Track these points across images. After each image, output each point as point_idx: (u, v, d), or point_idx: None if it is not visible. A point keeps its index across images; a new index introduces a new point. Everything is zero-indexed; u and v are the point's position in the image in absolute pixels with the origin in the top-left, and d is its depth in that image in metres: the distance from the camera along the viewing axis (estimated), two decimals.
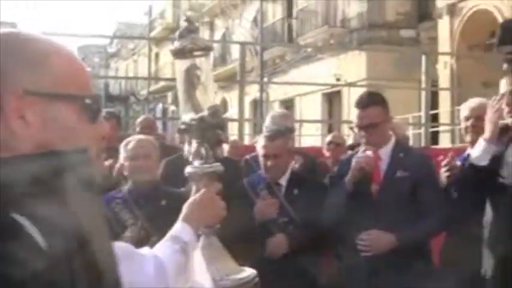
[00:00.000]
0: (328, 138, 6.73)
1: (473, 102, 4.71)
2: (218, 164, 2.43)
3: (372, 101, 4.25)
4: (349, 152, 5.30)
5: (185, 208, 2.31)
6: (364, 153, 4.15)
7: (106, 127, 1.46)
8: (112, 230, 3.88)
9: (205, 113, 2.38)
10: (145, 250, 2.15)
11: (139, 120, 6.68)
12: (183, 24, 2.49)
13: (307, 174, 4.94)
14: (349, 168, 4.18)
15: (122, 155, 4.19)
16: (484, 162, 3.84)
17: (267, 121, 5.76)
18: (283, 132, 4.93)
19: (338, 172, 4.46)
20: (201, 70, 2.42)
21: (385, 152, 4.18)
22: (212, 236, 2.40)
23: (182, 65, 2.43)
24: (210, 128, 2.38)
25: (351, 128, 4.37)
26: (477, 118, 4.47)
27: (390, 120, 4.35)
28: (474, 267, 3.94)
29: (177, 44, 2.43)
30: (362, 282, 4.01)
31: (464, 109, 4.69)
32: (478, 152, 3.88)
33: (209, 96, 2.45)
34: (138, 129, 6.36)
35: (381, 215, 3.98)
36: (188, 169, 2.43)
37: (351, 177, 4.07)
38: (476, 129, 4.42)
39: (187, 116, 2.42)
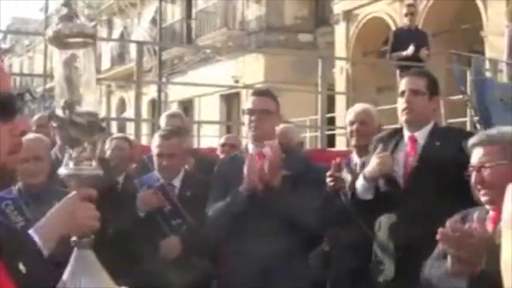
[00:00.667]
0: (222, 140, 6.67)
1: (358, 107, 4.94)
2: (91, 167, 2.13)
3: (267, 92, 4.37)
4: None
5: (45, 216, 2.08)
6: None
7: (25, 123, 1.38)
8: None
9: (58, 110, 2.10)
10: None
11: (35, 118, 6.41)
12: (62, 9, 2.19)
13: (201, 175, 4.92)
14: (231, 168, 4.17)
15: None
16: (369, 196, 3.93)
17: (161, 121, 5.75)
18: (178, 131, 4.93)
19: (218, 173, 4.36)
20: (79, 61, 2.11)
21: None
22: (86, 249, 2.11)
23: (60, 55, 2.13)
24: (65, 124, 2.09)
25: (242, 112, 4.27)
26: (361, 122, 4.73)
27: (279, 120, 4.38)
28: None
29: (53, 30, 2.11)
30: (251, 281, 3.97)
31: (350, 114, 4.87)
32: (360, 187, 3.93)
33: (89, 89, 2.15)
34: (34, 127, 6.09)
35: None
36: (59, 170, 2.16)
37: (248, 182, 3.93)
38: (360, 133, 4.69)
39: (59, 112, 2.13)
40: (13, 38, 54.27)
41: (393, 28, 14.27)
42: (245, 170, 3.92)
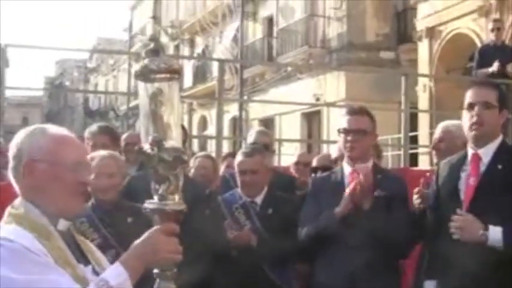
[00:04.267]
0: (296, 158, 6.54)
1: (441, 124, 4.89)
2: (174, 202, 2.18)
3: (363, 110, 4.27)
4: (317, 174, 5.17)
5: (130, 248, 2.17)
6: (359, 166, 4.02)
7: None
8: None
9: (146, 146, 2.15)
10: None
11: (125, 136, 6.41)
12: (149, 43, 2.24)
13: (285, 194, 4.89)
14: (325, 187, 4.14)
15: None
16: None
17: (249, 137, 5.73)
18: (261, 149, 4.91)
19: (312, 192, 4.36)
20: (164, 95, 2.15)
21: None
22: (168, 281, 2.18)
23: (145, 88, 2.18)
24: (152, 162, 2.15)
25: (338, 131, 4.18)
26: (441, 140, 4.71)
27: (375, 138, 4.31)
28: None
29: (139, 65, 2.17)
30: None
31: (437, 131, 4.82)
32: None
33: (174, 122, 2.19)
34: (123, 144, 6.06)
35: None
36: (145, 205, 2.21)
37: (348, 202, 3.93)
38: (440, 151, 4.62)
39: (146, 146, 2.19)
40: (99, 57, 55.79)
41: (478, 44, 13.96)
42: (346, 193, 3.91)
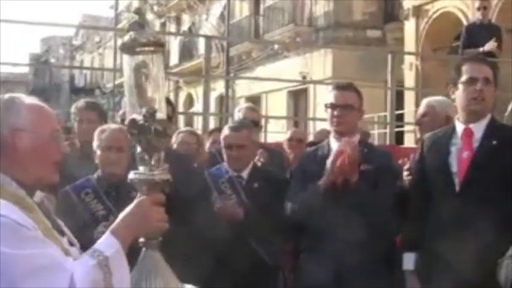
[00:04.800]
0: (289, 134, 6.59)
1: (424, 100, 4.94)
2: (161, 172, 2.25)
3: (350, 86, 4.29)
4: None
5: (118, 218, 2.20)
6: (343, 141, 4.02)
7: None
8: (84, 221, 3.81)
9: (139, 116, 2.20)
10: (69, 263, 2.03)
11: (121, 112, 6.33)
12: (133, 16, 2.29)
13: (271, 169, 4.91)
14: (312, 162, 4.15)
15: (95, 143, 4.07)
16: None
17: (236, 114, 5.74)
18: (248, 123, 4.93)
19: (300, 167, 4.38)
20: (149, 68, 2.20)
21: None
22: (153, 250, 2.26)
23: (130, 61, 2.21)
24: (145, 132, 2.20)
25: (325, 106, 4.19)
26: (424, 115, 4.75)
27: (362, 114, 4.33)
28: None
29: (128, 38, 2.20)
30: (326, 277, 3.92)
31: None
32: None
33: (159, 96, 2.24)
34: (119, 120, 5.98)
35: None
36: (130, 175, 2.28)
37: (330, 173, 3.91)
38: (424, 125, 4.66)
39: (130, 117, 2.25)
40: (84, 35, 55.36)
41: (465, 23, 13.95)
42: (328, 164, 3.91)
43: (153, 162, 2.23)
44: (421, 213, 3.82)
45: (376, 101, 14.53)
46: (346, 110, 4.09)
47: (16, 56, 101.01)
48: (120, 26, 41.13)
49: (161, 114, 2.21)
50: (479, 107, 3.69)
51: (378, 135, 14.38)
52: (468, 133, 3.71)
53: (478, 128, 3.71)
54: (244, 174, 4.68)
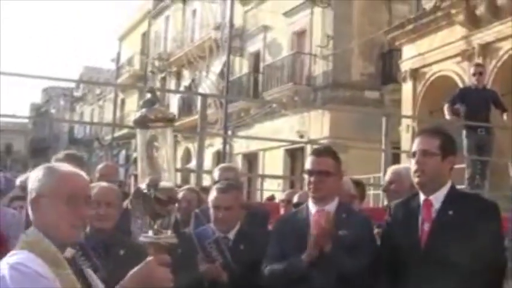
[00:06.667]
0: (283, 196, 6.67)
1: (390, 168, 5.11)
2: (168, 236, 2.43)
3: (327, 151, 4.31)
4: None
5: (126, 277, 2.41)
6: (320, 212, 4.03)
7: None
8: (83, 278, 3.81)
9: (143, 185, 2.40)
10: None
11: (100, 166, 6.42)
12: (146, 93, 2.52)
13: (256, 229, 4.89)
14: (289, 225, 4.17)
15: None
16: None
17: (215, 173, 5.76)
18: (236, 185, 4.93)
19: (277, 230, 4.38)
20: (159, 141, 2.44)
21: (330, 209, 4.09)
22: None
23: (142, 135, 2.45)
24: (147, 200, 2.39)
25: (302, 173, 4.28)
26: (391, 182, 4.86)
27: (341, 178, 4.33)
28: None
29: (138, 114, 2.45)
30: None
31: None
32: None
33: (168, 166, 2.47)
34: (97, 175, 6.07)
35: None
36: (141, 238, 2.45)
37: (313, 245, 3.91)
38: (391, 192, 4.76)
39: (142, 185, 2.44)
40: (85, 87, 55.77)
41: (461, 86, 14.09)
42: (311, 240, 3.90)
43: (156, 227, 2.41)
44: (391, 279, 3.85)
45: (373, 162, 14.56)
46: (322, 176, 4.09)
47: (16, 105, 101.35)
48: (120, 79, 41.58)
49: (168, 183, 2.44)
50: (419, 179, 3.77)
51: (373, 195, 14.34)
52: (428, 204, 3.77)
53: (437, 199, 3.76)
54: (231, 235, 4.67)
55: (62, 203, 2.40)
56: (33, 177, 2.49)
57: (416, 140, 3.85)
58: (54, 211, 2.40)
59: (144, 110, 2.43)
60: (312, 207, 4.14)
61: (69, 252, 2.44)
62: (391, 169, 5.06)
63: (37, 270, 2.25)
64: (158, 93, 2.61)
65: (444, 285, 3.50)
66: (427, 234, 3.69)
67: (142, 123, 2.42)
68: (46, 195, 2.42)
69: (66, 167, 2.53)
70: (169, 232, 2.44)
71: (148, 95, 2.48)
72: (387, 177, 4.97)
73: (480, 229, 3.54)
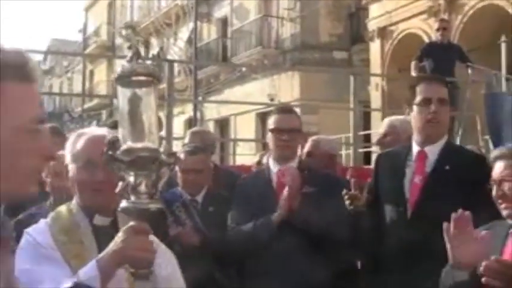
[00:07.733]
0: (257, 158, 6.62)
1: (385, 120, 4.97)
2: (145, 201, 2.13)
3: (292, 109, 4.27)
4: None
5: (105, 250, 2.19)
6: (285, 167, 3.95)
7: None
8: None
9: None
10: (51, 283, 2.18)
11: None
12: (126, 46, 2.28)
13: (224, 192, 4.88)
14: (252, 186, 4.11)
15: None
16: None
17: (186, 138, 5.74)
18: (204, 148, 4.91)
19: (240, 191, 4.26)
20: (142, 99, 2.16)
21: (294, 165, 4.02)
22: (142, 280, 2.16)
23: (125, 92, 2.17)
24: (115, 162, 2.13)
25: (270, 131, 4.07)
26: (386, 135, 4.78)
27: (306, 137, 4.30)
28: None
29: (122, 69, 2.18)
30: None
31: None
32: None
33: (151, 128, 2.18)
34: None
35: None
36: (121, 204, 2.18)
37: (283, 204, 3.81)
38: (386, 144, 4.66)
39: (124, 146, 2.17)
40: (53, 59, 54.98)
41: None
42: (281, 201, 3.82)
43: (141, 191, 2.14)
44: (375, 236, 3.73)
45: (344, 122, 14.60)
46: (295, 134, 4.02)
47: None
48: (88, 50, 41.11)
49: (149, 143, 2.14)
50: (434, 130, 3.56)
51: (345, 156, 14.42)
52: (422, 156, 3.57)
53: (433, 151, 3.56)
54: (199, 198, 4.66)
55: (79, 168, 2.48)
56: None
57: (427, 87, 3.58)
58: (73, 176, 2.50)
59: (131, 64, 2.15)
60: (274, 167, 4.06)
61: (99, 220, 2.46)
62: (386, 121, 4.90)
63: (36, 239, 2.34)
64: None
65: (435, 241, 3.34)
66: (418, 189, 3.51)
67: (127, 78, 2.14)
68: (69, 162, 2.53)
69: (89, 130, 2.60)
70: (149, 197, 2.13)
71: (132, 49, 2.19)
72: (382, 129, 4.85)
73: (476, 189, 3.22)
